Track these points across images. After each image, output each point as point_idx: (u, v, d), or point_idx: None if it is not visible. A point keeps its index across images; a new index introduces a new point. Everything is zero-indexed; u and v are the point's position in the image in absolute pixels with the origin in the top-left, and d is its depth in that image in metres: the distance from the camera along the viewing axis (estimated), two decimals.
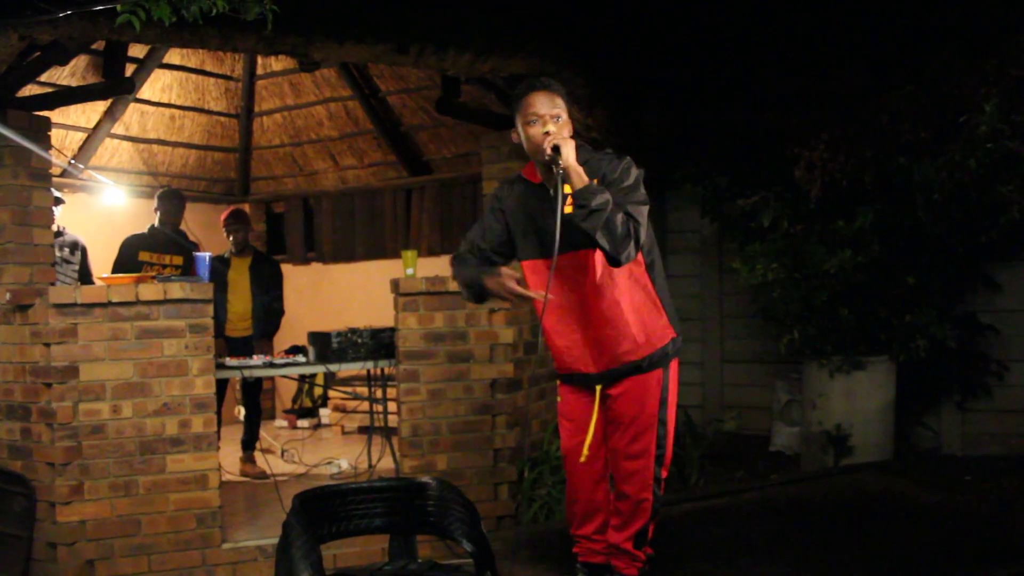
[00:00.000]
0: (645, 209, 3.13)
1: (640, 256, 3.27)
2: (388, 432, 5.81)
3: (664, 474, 3.41)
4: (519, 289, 3.25)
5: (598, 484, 3.46)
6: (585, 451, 3.39)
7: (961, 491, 4.92)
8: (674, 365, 3.40)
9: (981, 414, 5.75)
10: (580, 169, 3.05)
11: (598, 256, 3.17)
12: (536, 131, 3.17)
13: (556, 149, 3.05)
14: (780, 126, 5.51)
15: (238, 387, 7.02)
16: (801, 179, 5.33)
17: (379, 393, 6.22)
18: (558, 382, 3.51)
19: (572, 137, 3.22)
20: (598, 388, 3.36)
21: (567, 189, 3.06)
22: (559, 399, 3.51)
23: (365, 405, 7.02)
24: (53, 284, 5.08)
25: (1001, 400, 5.70)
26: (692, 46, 5.83)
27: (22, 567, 4.33)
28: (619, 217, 3.00)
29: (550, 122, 3.17)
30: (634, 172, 3.19)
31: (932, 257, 5.43)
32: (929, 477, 5.16)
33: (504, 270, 3.30)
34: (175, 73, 7.48)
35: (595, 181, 3.09)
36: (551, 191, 3.16)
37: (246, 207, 8.74)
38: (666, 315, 3.36)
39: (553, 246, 3.01)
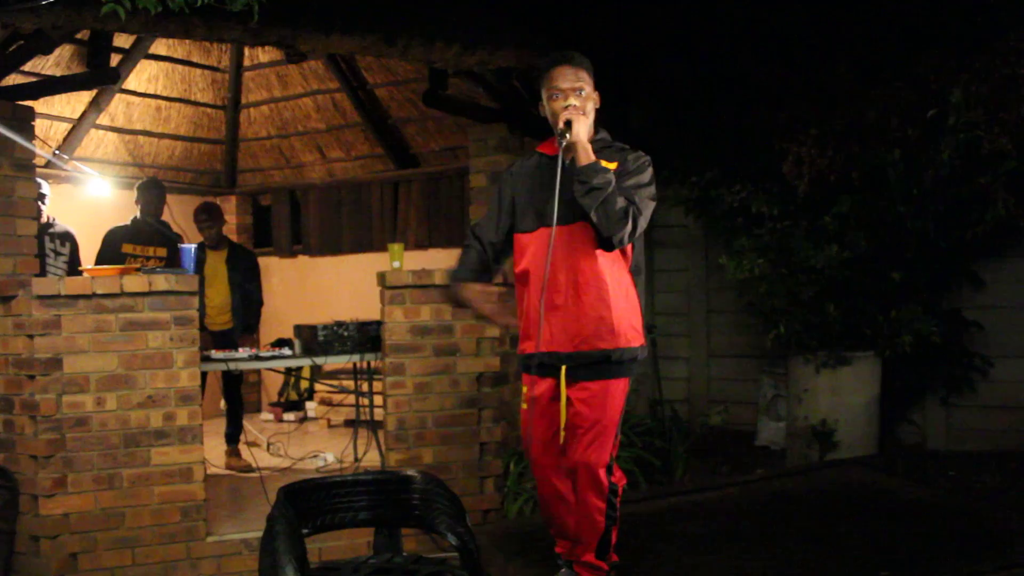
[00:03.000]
0: (651, 205, 3.17)
1: (630, 253, 3.27)
2: (374, 425, 5.80)
3: (619, 479, 3.37)
4: (488, 310, 3.36)
5: (563, 487, 3.39)
6: (563, 433, 3.30)
7: (945, 486, 4.94)
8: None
9: (965, 410, 5.78)
10: (588, 147, 3.08)
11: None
12: (558, 105, 3.18)
13: (568, 124, 3.08)
14: (768, 121, 5.51)
15: (221, 380, 6.99)
16: (789, 174, 5.34)
17: (365, 386, 6.21)
18: (523, 373, 3.40)
19: (597, 115, 3.25)
20: (563, 369, 3.24)
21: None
22: (524, 389, 3.40)
23: (351, 398, 7.00)
24: (38, 275, 5.04)
25: (985, 396, 5.73)
26: (680, 41, 5.84)
27: (5, 560, 4.31)
28: (620, 200, 3.02)
29: (572, 96, 3.17)
30: (650, 171, 3.23)
31: (917, 253, 5.45)
32: (913, 472, 5.18)
33: (484, 287, 3.35)
34: (161, 64, 7.43)
35: (614, 165, 3.13)
36: (565, 163, 3.13)
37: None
38: (641, 321, 3.33)
39: (553, 216, 3.06)
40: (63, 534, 4.26)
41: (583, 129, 3.08)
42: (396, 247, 5.07)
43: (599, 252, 3.18)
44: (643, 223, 3.13)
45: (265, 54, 7.59)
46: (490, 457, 4.93)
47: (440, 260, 7.29)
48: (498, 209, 3.42)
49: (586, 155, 3.06)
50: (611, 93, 5.85)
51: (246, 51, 7.68)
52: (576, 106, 3.15)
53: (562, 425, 3.29)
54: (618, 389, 3.27)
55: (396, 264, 4.96)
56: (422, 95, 6.36)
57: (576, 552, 3.39)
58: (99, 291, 4.28)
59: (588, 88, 3.22)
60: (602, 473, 3.27)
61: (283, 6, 4.00)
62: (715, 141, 5.88)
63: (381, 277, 4.81)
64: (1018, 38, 4.80)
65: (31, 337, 4.22)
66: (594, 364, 3.23)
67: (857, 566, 3.72)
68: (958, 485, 4.98)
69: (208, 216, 6.21)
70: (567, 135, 3.07)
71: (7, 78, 5.09)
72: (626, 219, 3.04)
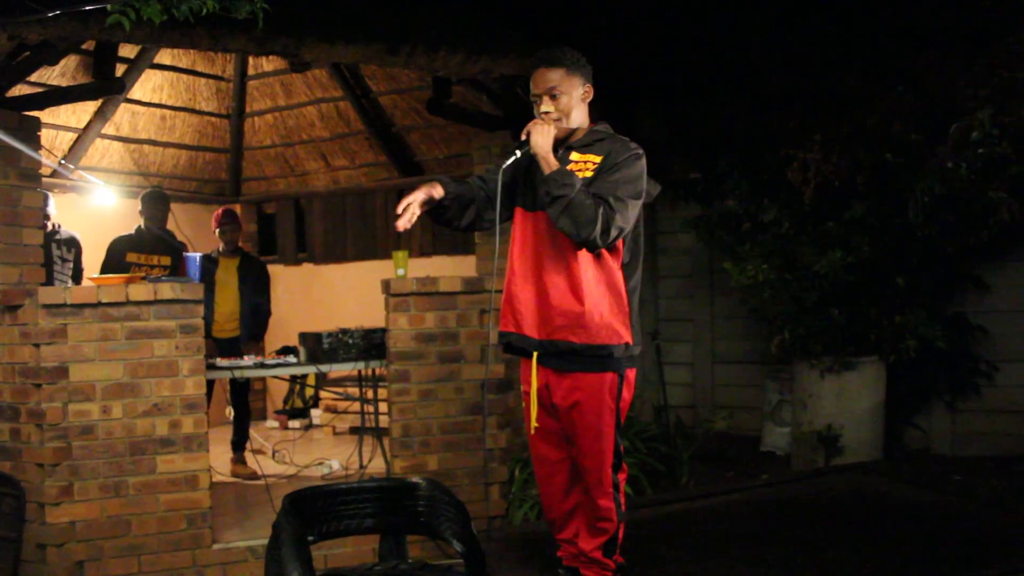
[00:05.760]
0: (634, 203, 3.10)
1: (621, 248, 3.21)
2: (379, 432, 5.81)
3: (623, 479, 3.37)
4: (408, 200, 3.22)
5: (568, 492, 3.41)
6: (533, 422, 3.33)
7: (951, 491, 4.94)
8: (630, 375, 3.29)
9: (970, 414, 5.78)
10: (550, 157, 3.08)
11: None
12: (535, 111, 3.20)
13: (528, 135, 3.11)
14: (775, 128, 5.52)
15: (228, 388, 7.01)
16: (795, 180, 5.34)
17: (370, 394, 6.21)
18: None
19: (589, 105, 3.25)
20: (535, 355, 3.26)
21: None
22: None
23: (356, 406, 7.01)
24: (46, 284, 5.06)
25: (990, 400, 5.72)
26: (685, 47, 5.85)
27: (11, 569, 4.31)
28: (588, 202, 2.99)
29: (545, 101, 3.18)
30: (637, 166, 3.14)
31: (922, 258, 5.45)
32: (919, 477, 5.18)
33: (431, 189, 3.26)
34: (166, 73, 7.46)
35: (599, 159, 3.12)
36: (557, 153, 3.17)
37: (237, 208, 8.74)
38: (628, 318, 3.23)
39: (535, 203, 3.19)
40: (69, 542, 4.26)
41: (541, 139, 3.08)
42: (400, 254, 5.07)
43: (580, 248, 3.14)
44: (621, 221, 3.03)
45: (269, 63, 7.62)
46: (495, 464, 4.93)
47: (445, 267, 7.30)
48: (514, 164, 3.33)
49: (547, 165, 3.06)
50: (617, 99, 5.90)
51: (250, 60, 7.71)
52: (546, 113, 3.16)
53: (533, 416, 3.32)
54: (606, 392, 3.21)
55: (400, 271, 4.97)
56: (426, 103, 6.38)
57: (582, 549, 3.39)
58: (105, 300, 4.28)
59: (565, 86, 3.17)
60: (605, 474, 3.27)
61: (287, 15, 4.02)
62: (720, 147, 5.89)
63: (385, 284, 4.82)
64: (1018, 41, 4.81)
65: (37, 346, 4.23)
66: (564, 355, 3.20)
67: (863, 571, 3.72)
68: (963, 490, 4.97)
69: (233, 220, 6.28)
70: (526, 148, 3.10)
71: (13, 88, 5.12)
72: (595, 223, 2.97)
